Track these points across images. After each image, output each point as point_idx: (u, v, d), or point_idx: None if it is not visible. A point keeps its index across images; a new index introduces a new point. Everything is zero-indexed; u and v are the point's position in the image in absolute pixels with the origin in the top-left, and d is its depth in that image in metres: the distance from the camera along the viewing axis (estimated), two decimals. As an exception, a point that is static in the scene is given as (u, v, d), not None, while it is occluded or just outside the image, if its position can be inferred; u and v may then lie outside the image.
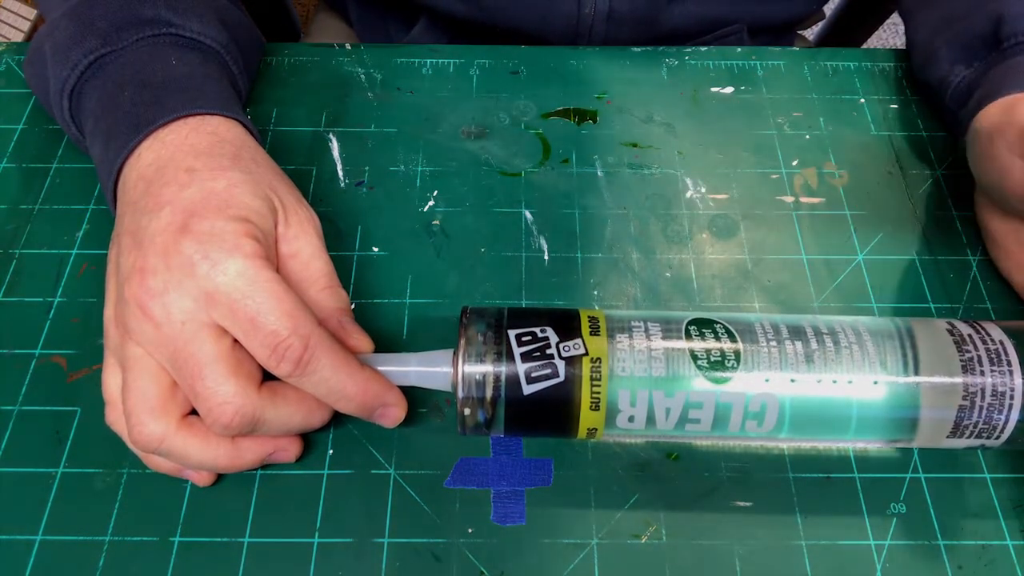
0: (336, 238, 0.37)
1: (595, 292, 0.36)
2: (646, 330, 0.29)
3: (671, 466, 0.32)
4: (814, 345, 0.28)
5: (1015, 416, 0.28)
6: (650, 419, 0.28)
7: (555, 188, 0.39)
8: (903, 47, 0.45)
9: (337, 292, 0.32)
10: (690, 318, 0.29)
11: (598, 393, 0.28)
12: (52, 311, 0.35)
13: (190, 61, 0.34)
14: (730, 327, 0.29)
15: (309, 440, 0.32)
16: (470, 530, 0.30)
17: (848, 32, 0.73)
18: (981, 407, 0.28)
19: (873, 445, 0.32)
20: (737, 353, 0.28)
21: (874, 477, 0.31)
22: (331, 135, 0.41)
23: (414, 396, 0.32)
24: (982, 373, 0.28)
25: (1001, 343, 0.28)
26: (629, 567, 0.29)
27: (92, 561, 0.29)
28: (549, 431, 0.29)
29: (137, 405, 0.27)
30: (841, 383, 0.28)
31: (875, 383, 0.28)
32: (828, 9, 0.65)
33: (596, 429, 0.29)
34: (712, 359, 0.28)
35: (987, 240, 0.37)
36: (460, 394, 0.28)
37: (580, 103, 0.42)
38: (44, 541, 0.29)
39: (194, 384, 0.27)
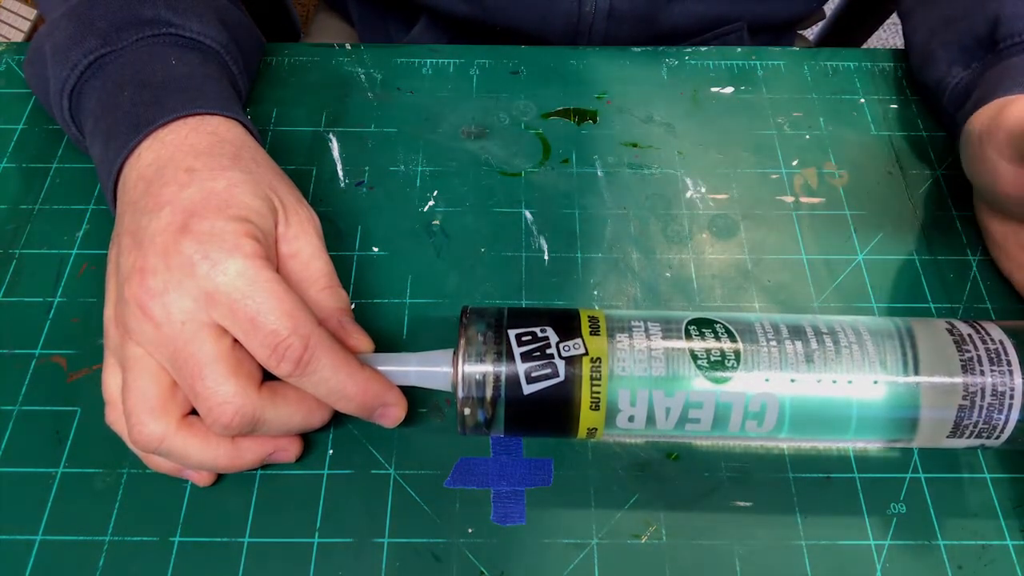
0: (336, 238, 0.37)
1: (595, 292, 0.36)
2: (646, 330, 0.29)
3: (671, 466, 0.32)
4: (814, 345, 0.28)
5: (1015, 416, 0.28)
6: (650, 419, 0.28)
7: (555, 188, 0.39)
8: (903, 47, 0.45)
9: (337, 292, 0.32)
10: (690, 318, 0.29)
11: (598, 393, 0.28)
12: (52, 311, 0.35)
13: (190, 61, 0.34)
14: (730, 327, 0.29)
15: (309, 440, 0.32)
16: (470, 530, 0.30)
17: (848, 32, 0.73)
18: (981, 407, 0.28)
19: (873, 445, 0.32)
20: (737, 353, 0.28)
21: (874, 477, 0.31)
22: (331, 135, 0.41)
23: (414, 396, 0.32)
24: (982, 373, 0.28)
25: (1001, 343, 0.28)
26: (629, 567, 0.29)
27: (92, 561, 0.29)
28: (549, 431, 0.29)
29: (137, 405, 0.27)
30: (841, 383, 0.28)
31: (875, 383, 0.28)
32: (828, 9, 0.65)
33: (596, 429, 0.29)
34: (712, 359, 0.28)
35: (987, 241, 0.37)
36: (460, 394, 0.28)
37: (580, 103, 0.42)
38: (44, 541, 0.29)
39: (194, 384, 0.27)
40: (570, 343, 0.28)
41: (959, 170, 0.37)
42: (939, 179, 0.40)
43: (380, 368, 0.30)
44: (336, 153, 0.40)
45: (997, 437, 0.28)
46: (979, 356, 0.28)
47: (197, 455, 0.28)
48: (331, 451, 0.32)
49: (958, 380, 0.28)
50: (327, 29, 0.65)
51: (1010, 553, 0.30)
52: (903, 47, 0.45)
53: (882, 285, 0.36)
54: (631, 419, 0.28)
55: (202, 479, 0.30)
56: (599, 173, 0.40)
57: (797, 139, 0.41)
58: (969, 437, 0.28)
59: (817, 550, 0.30)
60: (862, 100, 0.43)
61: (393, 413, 0.30)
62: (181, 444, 0.28)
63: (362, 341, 0.31)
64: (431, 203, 0.38)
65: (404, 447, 0.32)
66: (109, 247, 0.31)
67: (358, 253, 0.37)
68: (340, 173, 0.39)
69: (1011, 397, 0.27)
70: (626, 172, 0.40)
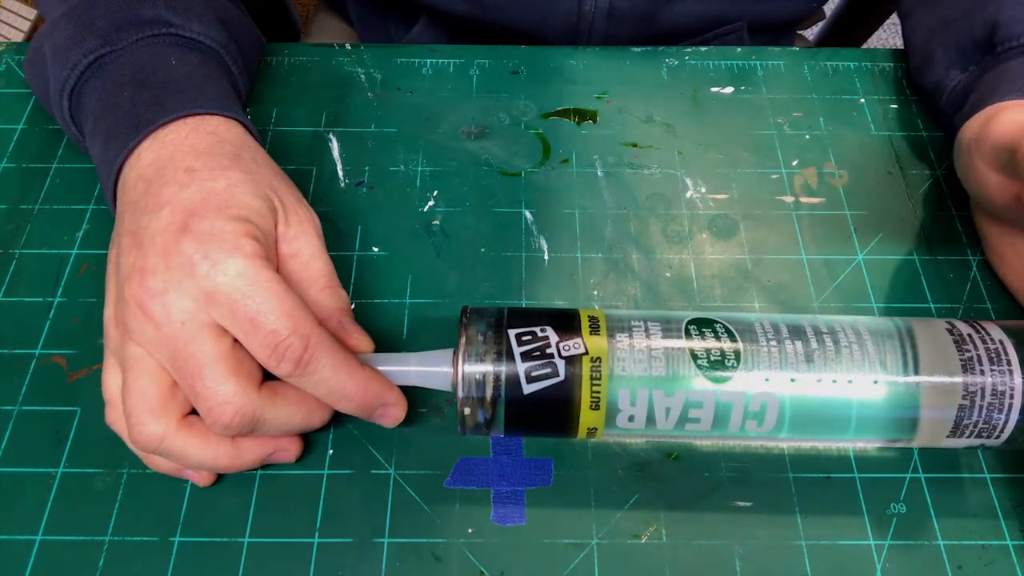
0: (336, 238, 0.37)
1: (595, 292, 0.36)
2: (646, 330, 0.29)
3: (671, 466, 0.32)
4: (814, 345, 0.28)
5: (1015, 416, 0.28)
6: (650, 419, 0.28)
7: (555, 188, 0.39)
8: (903, 47, 0.45)
9: (337, 292, 0.32)
10: (690, 318, 0.29)
11: (598, 392, 0.28)
12: (52, 311, 0.35)
13: (190, 61, 0.34)
14: (730, 327, 0.29)
15: (309, 440, 0.32)
16: (470, 530, 0.30)
17: (848, 32, 0.73)
18: (981, 407, 0.28)
19: (873, 445, 0.32)
20: (737, 353, 0.28)
21: (874, 477, 0.31)
22: (331, 135, 0.41)
23: (414, 396, 0.32)
24: (982, 373, 0.28)
25: (1001, 343, 0.28)
26: (629, 567, 0.29)
27: (92, 561, 0.29)
28: (549, 431, 0.29)
29: (137, 405, 0.27)
30: (841, 383, 0.28)
31: (875, 383, 0.28)
32: (828, 9, 0.65)
33: (596, 429, 0.29)
34: (712, 359, 0.28)
35: (984, 244, 0.37)
36: (460, 394, 0.28)
37: (580, 103, 0.42)
38: (44, 541, 0.29)
39: (194, 384, 0.27)
40: (570, 343, 0.28)
41: (959, 170, 0.37)
42: (939, 179, 0.40)
43: (380, 368, 0.30)
44: (336, 153, 0.40)
45: (997, 437, 0.28)
46: (979, 356, 0.28)
47: (197, 455, 0.28)
48: (331, 451, 0.32)
49: (958, 380, 0.28)
50: (327, 29, 0.65)
51: (1010, 553, 0.30)
52: (903, 47, 0.45)
53: (882, 285, 0.36)
54: (631, 419, 0.28)
55: (202, 479, 0.30)
56: (599, 173, 0.40)
57: (797, 139, 0.41)
58: (969, 437, 0.28)
59: (817, 550, 0.30)
60: (862, 100, 0.43)
61: (393, 413, 0.30)
62: (181, 444, 0.28)
63: (362, 341, 0.31)
64: (431, 203, 0.38)
65: (404, 447, 0.32)
66: (109, 247, 0.31)
67: (358, 253, 0.37)
68: (340, 173, 0.39)
69: (1011, 397, 0.27)
70: (626, 172, 0.40)
